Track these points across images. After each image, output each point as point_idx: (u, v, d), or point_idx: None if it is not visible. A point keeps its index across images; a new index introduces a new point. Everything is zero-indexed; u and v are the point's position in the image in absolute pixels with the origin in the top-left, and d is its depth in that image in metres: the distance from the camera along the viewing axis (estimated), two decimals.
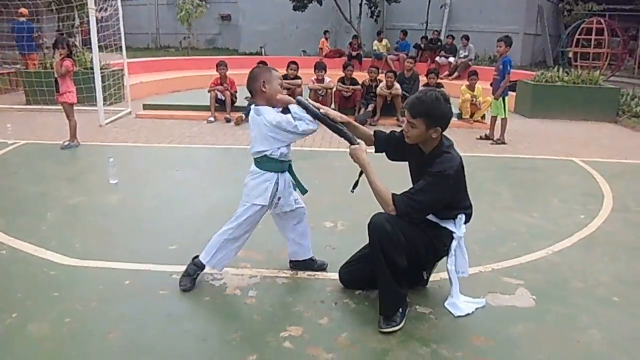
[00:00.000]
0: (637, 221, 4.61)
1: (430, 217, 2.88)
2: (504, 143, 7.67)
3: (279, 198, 3.09)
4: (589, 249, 3.99)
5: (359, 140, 2.92)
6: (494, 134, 7.89)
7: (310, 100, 3.02)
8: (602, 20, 15.51)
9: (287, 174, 3.11)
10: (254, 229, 3.20)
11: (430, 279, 3.24)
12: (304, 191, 3.20)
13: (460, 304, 2.98)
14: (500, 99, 7.62)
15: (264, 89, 2.95)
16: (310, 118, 2.87)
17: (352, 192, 2.95)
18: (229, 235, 3.12)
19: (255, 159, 3.07)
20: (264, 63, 9.01)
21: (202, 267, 3.20)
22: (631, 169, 6.57)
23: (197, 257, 3.21)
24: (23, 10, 11.31)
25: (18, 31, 11.32)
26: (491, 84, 7.96)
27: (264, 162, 3.02)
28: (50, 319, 2.84)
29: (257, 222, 3.18)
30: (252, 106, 3.05)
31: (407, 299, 2.90)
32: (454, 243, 2.89)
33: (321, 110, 2.91)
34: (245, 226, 3.12)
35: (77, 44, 12.64)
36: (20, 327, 2.75)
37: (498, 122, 7.86)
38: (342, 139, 2.95)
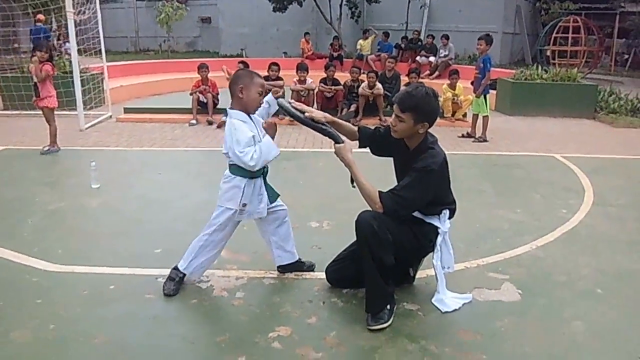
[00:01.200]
0: (617, 215, 4.69)
1: (415, 213, 2.89)
2: (485, 140, 7.75)
3: (244, 204, 3.01)
4: (571, 243, 4.05)
5: (344, 139, 2.92)
6: (475, 132, 7.98)
7: (293, 102, 3.01)
8: (579, 19, 15.77)
9: (258, 180, 3.04)
10: (231, 236, 3.18)
11: (417, 275, 3.26)
12: (274, 197, 3.13)
13: (447, 300, 3.00)
14: (482, 97, 7.70)
15: (240, 95, 2.93)
16: (270, 155, 2.86)
17: (353, 187, 2.88)
18: (204, 241, 3.09)
19: (228, 162, 3.04)
20: (244, 63, 9.04)
21: (181, 273, 3.17)
22: (610, 163, 6.69)
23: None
24: (40, 16, 11.37)
25: (35, 33, 11.99)
26: (472, 83, 8.06)
27: (235, 167, 2.99)
28: (33, 325, 2.79)
29: (233, 228, 3.13)
30: (227, 108, 3.03)
31: (394, 296, 2.92)
32: (439, 238, 2.91)
33: (305, 114, 2.91)
34: (220, 232, 3.08)
35: (56, 47, 12.52)
36: (3, 336, 2.69)
37: (480, 120, 7.94)
38: (327, 137, 2.95)
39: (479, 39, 7.56)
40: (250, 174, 2.98)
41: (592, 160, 6.77)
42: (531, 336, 2.75)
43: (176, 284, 3.15)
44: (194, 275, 3.19)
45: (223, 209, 3.05)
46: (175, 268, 3.17)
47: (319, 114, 2.95)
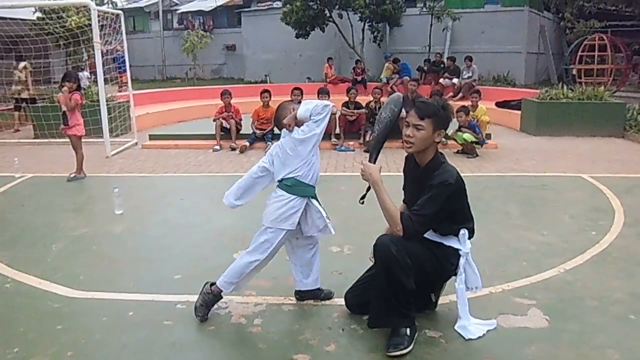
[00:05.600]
0: None
1: (433, 236, 2.83)
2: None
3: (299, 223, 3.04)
4: (602, 265, 3.89)
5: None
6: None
7: None
8: (605, 37, 15.54)
9: (314, 200, 3.05)
10: None
11: (440, 301, 3.17)
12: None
13: (471, 326, 2.90)
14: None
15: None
16: (321, 102, 2.95)
17: (362, 203, 2.92)
18: (255, 265, 3.04)
19: (283, 183, 3.01)
20: (267, 91, 9.14)
21: (221, 297, 3.13)
22: None
23: (212, 284, 3.11)
24: (118, 47, 11.87)
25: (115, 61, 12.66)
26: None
27: (294, 186, 2.97)
28: (52, 352, 2.79)
29: (279, 247, 3.11)
30: (283, 131, 3.07)
31: (415, 323, 2.83)
32: (462, 260, 2.83)
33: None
34: (272, 254, 3.05)
35: (87, 77, 12.93)
36: None
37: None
38: (371, 152, 2.95)
39: (457, 111, 7.71)
40: (310, 192, 3.01)
41: (622, 180, 6.57)
42: None
43: (209, 310, 3.12)
44: (234, 291, 3.18)
45: (276, 230, 3.00)
46: (213, 293, 3.09)
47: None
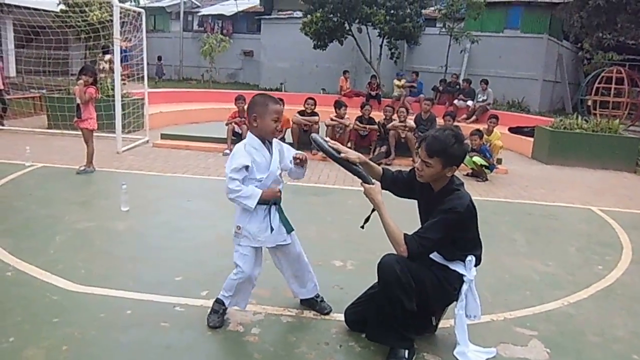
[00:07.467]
0: None
1: (440, 259, 2.80)
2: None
3: (238, 227, 3.01)
4: (607, 301, 3.84)
5: (374, 181, 2.87)
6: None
7: (329, 141, 2.94)
8: (622, 70, 15.50)
9: (261, 206, 2.96)
10: (260, 263, 3.12)
11: (440, 325, 3.13)
12: (289, 229, 3.07)
13: (470, 353, 2.86)
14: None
15: (254, 124, 2.92)
16: (243, 202, 2.88)
17: (362, 227, 2.89)
18: (241, 277, 3.01)
19: None
20: (280, 100, 9.16)
21: (225, 304, 3.12)
22: None
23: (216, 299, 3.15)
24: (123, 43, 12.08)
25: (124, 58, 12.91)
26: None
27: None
28: (47, 345, 2.77)
29: (260, 255, 3.09)
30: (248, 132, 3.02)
31: (414, 345, 2.79)
32: (465, 287, 2.79)
33: (341, 155, 2.86)
34: (250, 264, 3.00)
35: (104, 71, 13.08)
36: (16, 353, 2.69)
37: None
38: (357, 177, 2.90)
39: (471, 134, 7.94)
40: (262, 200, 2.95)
41: (632, 215, 6.51)
42: None
43: (220, 315, 3.10)
44: (240, 305, 3.16)
45: (242, 239, 3.02)
46: (217, 301, 3.11)
47: (353, 155, 2.90)
